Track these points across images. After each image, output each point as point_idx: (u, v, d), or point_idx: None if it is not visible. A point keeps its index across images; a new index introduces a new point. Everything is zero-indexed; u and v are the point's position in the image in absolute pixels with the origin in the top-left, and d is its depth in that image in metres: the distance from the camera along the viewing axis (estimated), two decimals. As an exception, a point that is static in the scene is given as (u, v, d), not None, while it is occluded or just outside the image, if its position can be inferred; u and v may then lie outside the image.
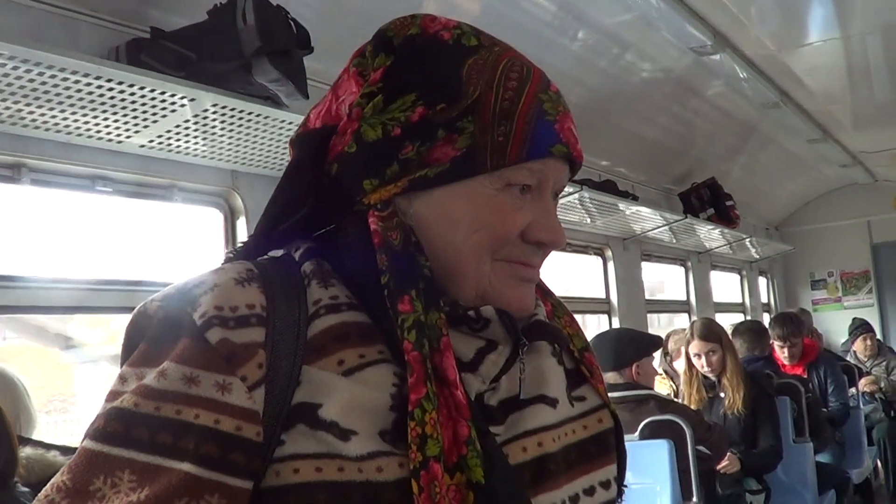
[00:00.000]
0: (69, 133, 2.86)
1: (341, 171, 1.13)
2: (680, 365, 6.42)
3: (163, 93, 2.73)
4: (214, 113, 2.95)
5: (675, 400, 5.24)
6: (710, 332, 5.30)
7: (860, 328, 8.74)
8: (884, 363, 8.52)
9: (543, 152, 1.10)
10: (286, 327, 1.05)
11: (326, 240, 1.17)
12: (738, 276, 9.97)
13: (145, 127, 2.93)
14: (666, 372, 6.65)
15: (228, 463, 0.97)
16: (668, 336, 6.80)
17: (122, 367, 1.06)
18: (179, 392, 0.98)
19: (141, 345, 1.04)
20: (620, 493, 1.27)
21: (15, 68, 2.38)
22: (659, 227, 6.86)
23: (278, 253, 1.19)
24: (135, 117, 2.84)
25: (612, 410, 1.27)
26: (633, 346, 4.61)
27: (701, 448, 4.39)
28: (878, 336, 9.25)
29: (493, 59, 1.12)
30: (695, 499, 4.21)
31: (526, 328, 1.16)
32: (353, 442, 1.00)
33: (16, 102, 2.58)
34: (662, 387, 6.46)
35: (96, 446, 0.99)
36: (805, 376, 6.84)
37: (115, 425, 0.99)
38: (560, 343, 1.24)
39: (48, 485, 0.99)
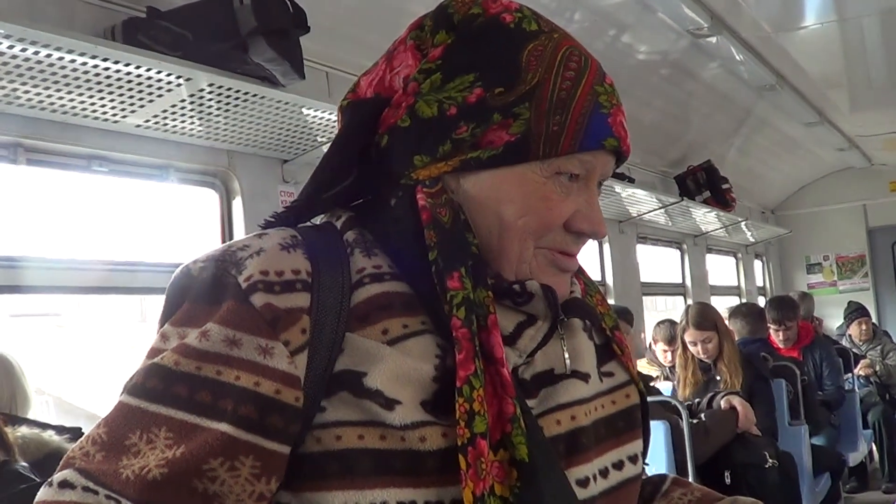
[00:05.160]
0: (65, 113, 2.86)
1: (392, 143, 1.13)
2: (659, 350, 6.52)
3: (159, 72, 2.72)
4: (210, 93, 2.95)
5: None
6: (704, 320, 5.27)
7: (855, 312, 8.75)
8: (879, 347, 8.54)
9: (596, 145, 1.11)
10: (330, 294, 1.06)
11: (365, 210, 1.17)
12: (733, 260, 9.97)
13: (141, 107, 2.93)
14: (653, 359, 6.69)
15: (266, 426, 0.99)
16: (656, 325, 6.81)
17: (162, 325, 1.07)
18: (221, 353, 1.00)
19: (185, 304, 1.06)
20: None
21: (10, 47, 2.37)
22: (655, 209, 6.87)
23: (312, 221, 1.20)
24: (130, 97, 2.84)
25: (640, 387, 1.28)
26: None
27: None
28: (874, 320, 9.26)
29: (553, 46, 1.12)
30: (690, 480, 4.21)
31: (563, 304, 1.17)
32: (398, 411, 1.01)
33: (11, 82, 2.57)
34: (651, 371, 6.49)
35: (134, 401, 1.00)
36: (800, 359, 6.85)
37: (154, 382, 1.00)
38: (592, 320, 1.25)
39: (83, 437, 1.01)
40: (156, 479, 0.95)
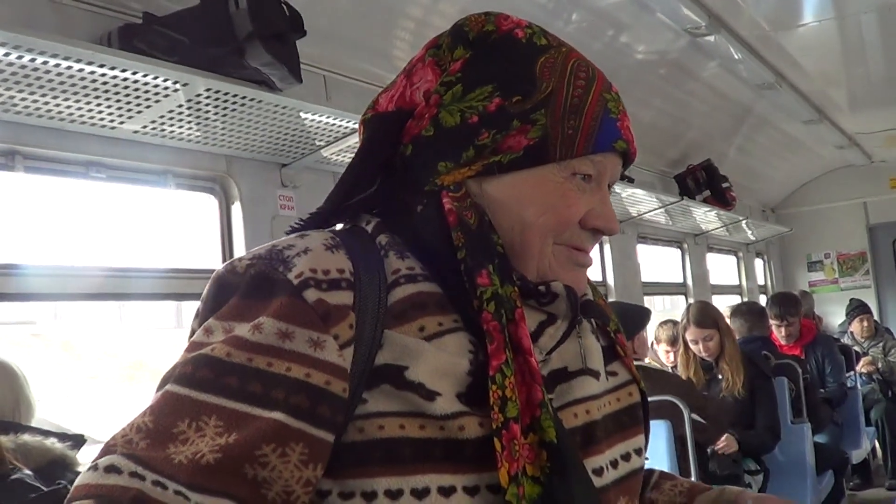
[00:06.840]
0: (62, 119, 2.85)
1: (416, 151, 1.22)
2: (661, 351, 6.56)
3: (155, 78, 2.72)
4: (207, 98, 2.95)
5: (662, 369, 5.29)
6: (705, 318, 5.29)
7: (857, 309, 8.75)
8: (881, 344, 8.53)
9: (607, 147, 1.22)
10: (370, 293, 1.12)
11: (389, 216, 1.23)
12: (734, 259, 9.96)
13: (138, 112, 2.92)
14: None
15: (316, 415, 1.04)
16: (658, 325, 6.80)
17: (199, 318, 1.13)
18: (273, 346, 1.05)
19: (232, 300, 1.10)
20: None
21: (7, 54, 2.37)
22: (655, 209, 6.86)
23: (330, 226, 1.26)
24: (128, 103, 2.84)
25: (641, 386, 1.37)
26: (631, 321, 4.66)
27: (695, 417, 4.39)
28: (875, 317, 9.25)
29: (562, 58, 1.22)
30: (692, 478, 4.21)
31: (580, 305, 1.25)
32: (438, 402, 1.08)
33: (8, 89, 2.57)
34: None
35: (183, 390, 1.04)
36: (802, 357, 6.84)
37: (204, 372, 1.04)
38: (602, 322, 1.35)
39: (126, 424, 1.03)
40: (209, 464, 0.98)
